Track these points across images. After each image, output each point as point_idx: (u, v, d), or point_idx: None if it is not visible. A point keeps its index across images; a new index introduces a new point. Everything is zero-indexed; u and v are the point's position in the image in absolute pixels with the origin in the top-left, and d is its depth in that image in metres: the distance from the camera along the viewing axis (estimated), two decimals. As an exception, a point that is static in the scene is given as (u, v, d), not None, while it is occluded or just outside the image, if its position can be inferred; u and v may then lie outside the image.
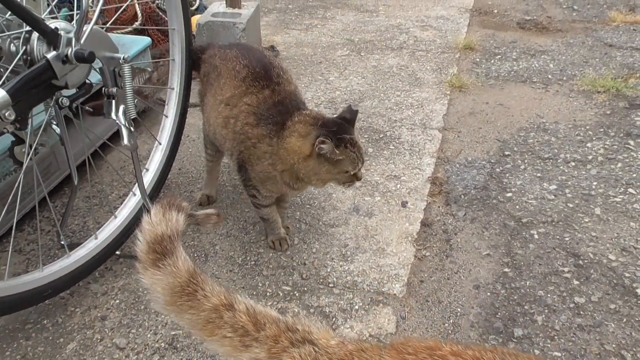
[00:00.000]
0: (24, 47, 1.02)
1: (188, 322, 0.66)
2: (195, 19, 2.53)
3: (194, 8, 2.85)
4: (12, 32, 1.02)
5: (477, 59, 2.77)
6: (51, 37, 1.01)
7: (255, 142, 1.31)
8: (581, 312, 1.31)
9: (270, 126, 1.29)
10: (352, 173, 1.26)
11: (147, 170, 1.54)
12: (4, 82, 0.99)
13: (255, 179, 1.37)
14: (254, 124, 1.31)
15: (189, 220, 0.71)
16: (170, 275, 0.64)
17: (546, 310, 1.32)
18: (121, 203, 1.49)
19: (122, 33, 2.39)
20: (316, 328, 0.65)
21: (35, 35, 1.01)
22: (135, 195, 1.47)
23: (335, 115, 1.35)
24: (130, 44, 2.06)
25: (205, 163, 1.68)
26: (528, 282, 1.40)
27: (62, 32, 1.02)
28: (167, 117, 1.58)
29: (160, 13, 2.61)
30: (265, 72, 1.36)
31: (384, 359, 0.60)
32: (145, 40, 2.13)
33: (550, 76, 2.56)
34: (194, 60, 1.58)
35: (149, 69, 2.20)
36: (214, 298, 0.65)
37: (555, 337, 1.25)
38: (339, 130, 1.23)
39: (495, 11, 3.48)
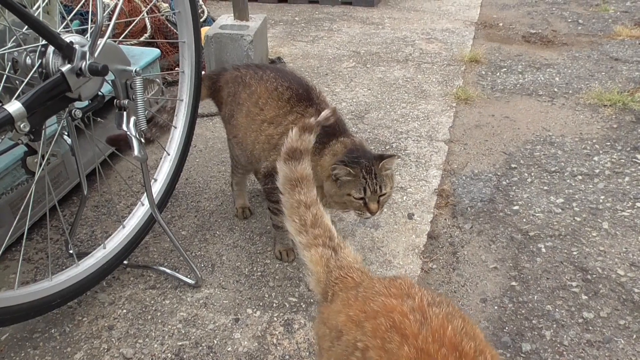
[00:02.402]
0: (40, 61, 1.04)
1: (284, 200, 0.93)
2: (203, 31, 2.57)
3: (202, 20, 2.89)
4: (29, 45, 1.05)
5: (483, 72, 2.79)
6: (66, 51, 1.03)
7: None
8: (590, 328, 1.30)
9: (316, 144, 1.35)
10: (356, 197, 1.27)
11: (156, 180, 1.55)
12: (19, 95, 1.01)
13: None
14: None
15: (318, 128, 1.01)
16: (288, 170, 0.93)
17: (554, 325, 1.31)
18: (129, 213, 1.50)
19: (132, 44, 2.43)
20: (348, 248, 0.90)
21: (50, 48, 1.04)
22: (143, 205, 1.48)
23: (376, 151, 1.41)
24: (140, 56, 2.09)
25: (231, 177, 1.70)
26: (536, 296, 1.39)
27: (77, 46, 1.05)
28: (176, 128, 1.60)
29: (170, 25, 2.65)
30: (307, 93, 1.42)
31: (371, 284, 0.78)
32: (155, 52, 2.16)
33: (556, 89, 2.57)
34: (207, 86, 1.60)
35: (158, 80, 2.23)
36: (303, 196, 0.91)
37: (564, 353, 1.24)
38: (359, 156, 1.27)
39: (501, 24, 3.51)
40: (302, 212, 0.90)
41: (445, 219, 1.71)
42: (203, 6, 2.98)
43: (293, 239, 0.91)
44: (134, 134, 1.18)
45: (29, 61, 1.05)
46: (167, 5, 2.73)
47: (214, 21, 2.82)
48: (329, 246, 0.89)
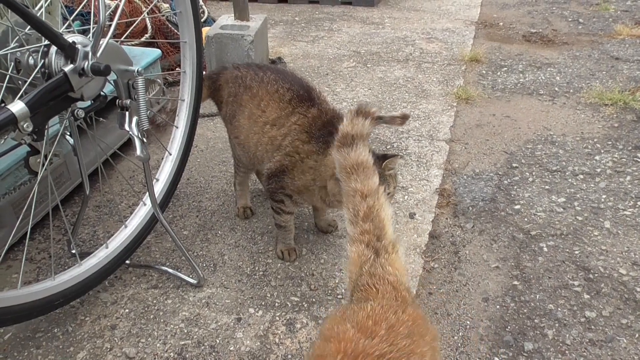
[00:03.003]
0: (42, 61, 1.04)
1: (342, 187, 0.88)
2: (204, 31, 2.57)
3: (202, 20, 2.90)
4: (31, 46, 1.05)
5: (484, 71, 2.79)
6: (69, 51, 1.03)
7: (304, 157, 1.37)
8: (592, 327, 1.30)
9: (320, 144, 1.35)
10: None
11: (158, 180, 1.55)
12: (22, 95, 1.01)
13: (293, 189, 1.42)
14: (305, 140, 1.37)
15: (377, 121, 0.91)
16: (341, 157, 0.87)
17: (557, 324, 1.31)
18: (131, 212, 1.50)
19: (133, 45, 2.43)
20: (397, 255, 0.82)
21: (53, 49, 1.04)
22: (145, 204, 1.48)
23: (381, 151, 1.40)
24: (141, 56, 2.09)
25: (235, 177, 1.70)
26: (538, 296, 1.40)
27: (79, 46, 1.05)
28: (177, 128, 1.60)
29: (170, 25, 2.65)
30: (308, 93, 1.42)
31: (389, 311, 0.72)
32: (156, 52, 2.16)
33: (557, 89, 2.57)
34: (208, 86, 1.61)
35: (159, 81, 2.23)
36: (359, 185, 0.85)
37: (567, 352, 1.24)
38: None
39: (501, 24, 3.51)
40: (357, 201, 0.83)
41: (447, 219, 1.71)
42: (203, 6, 2.99)
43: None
44: (136, 133, 1.18)
45: (31, 61, 1.05)
46: (167, 5, 2.74)
47: (214, 21, 2.82)
48: (372, 247, 0.81)
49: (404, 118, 0.96)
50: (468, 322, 1.32)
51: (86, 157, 1.47)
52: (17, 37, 1.04)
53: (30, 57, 1.05)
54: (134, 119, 1.19)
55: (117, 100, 1.18)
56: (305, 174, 1.38)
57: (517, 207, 1.75)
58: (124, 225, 1.43)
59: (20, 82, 1.05)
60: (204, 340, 1.28)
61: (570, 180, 1.88)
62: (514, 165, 1.98)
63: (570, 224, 1.66)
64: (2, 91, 1.04)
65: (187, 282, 1.44)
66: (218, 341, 1.27)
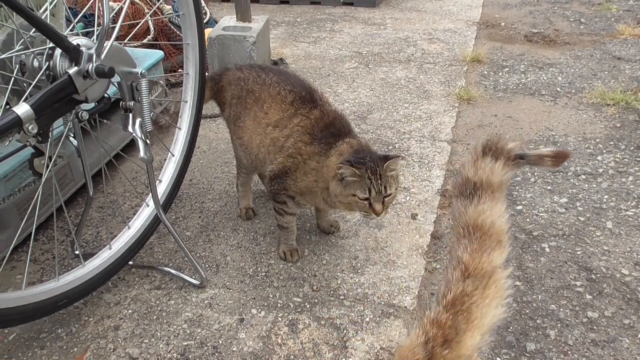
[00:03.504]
0: (47, 63, 1.05)
1: (451, 248, 0.70)
2: (206, 33, 2.58)
3: (204, 22, 2.90)
4: (36, 48, 1.06)
5: (485, 72, 2.79)
6: (73, 54, 1.04)
7: (306, 159, 1.38)
8: (595, 327, 1.30)
9: (322, 145, 1.36)
10: (361, 198, 1.28)
11: (161, 181, 1.56)
12: (27, 97, 1.02)
13: (295, 190, 1.42)
14: (308, 142, 1.38)
15: (515, 163, 0.65)
16: (457, 211, 0.69)
17: (559, 325, 1.31)
18: (134, 214, 1.51)
19: (135, 46, 2.44)
20: (471, 337, 0.59)
21: (57, 51, 1.05)
22: (148, 206, 1.49)
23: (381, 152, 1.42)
24: (144, 57, 2.10)
25: (237, 178, 1.71)
26: (540, 296, 1.40)
27: (83, 49, 1.06)
28: (180, 129, 1.61)
29: (173, 27, 2.67)
30: (310, 95, 1.43)
31: None
32: (158, 53, 2.17)
33: (558, 89, 2.57)
34: (210, 87, 1.62)
35: (161, 82, 2.24)
36: (467, 256, 0.64)
37: (569, 352, 1.24)
38: (364, 157, 1.28)
39: (503, 24, 3.51)
40: (455, 277, 0.61)
41: (449, 219, 1.71)
42: (205, 8, 2.99)
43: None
44: (139, 135, 1.19)
45: (36, 64, 1.06)
46: (170, 7, 2.75)
47: (216, 23, 2.83)
48: (429, 350, 0.58)
49: (560, 157, 0.64)
50: (470, 323, 1.32)
51: (90, 158, 1.48)
52: (22, 39, 1.05)
53: (35, 60, 1.06)
54: (137, 121, 1.20)
55: (121, 102, 1.19)
56: (307, 175, 1.38)
57: (519, 207, 1.75)
58: (127, 227, 1.44)
59: (25, 84, 1.06)
60: (207, 341, 1.28)
61: (572, 180, 1.88)
62: (516, 165, 1.98)
63: (572, 225, 1.66)
64: (7, 93, 1.04)
65: (189, 283, 1.45)
66: (221, 342, 1.28)
